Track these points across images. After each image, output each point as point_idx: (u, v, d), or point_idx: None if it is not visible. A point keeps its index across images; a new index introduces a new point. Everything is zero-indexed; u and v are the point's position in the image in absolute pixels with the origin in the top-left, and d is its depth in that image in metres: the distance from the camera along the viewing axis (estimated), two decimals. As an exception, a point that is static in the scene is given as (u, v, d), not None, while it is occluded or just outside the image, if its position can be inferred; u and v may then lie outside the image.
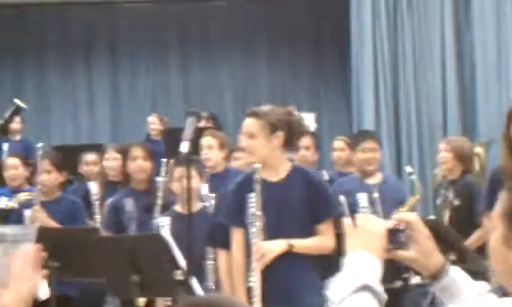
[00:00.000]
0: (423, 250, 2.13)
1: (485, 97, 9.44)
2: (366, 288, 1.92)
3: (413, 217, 2.15)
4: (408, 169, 6.46)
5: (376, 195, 5.90)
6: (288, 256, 4.34)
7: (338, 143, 7.51)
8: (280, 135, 4.44)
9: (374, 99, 9.76)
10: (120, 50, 12.99)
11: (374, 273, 1.97)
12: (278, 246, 4.34)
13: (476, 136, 9.15)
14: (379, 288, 1.95)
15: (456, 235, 5.22)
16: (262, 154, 4.45)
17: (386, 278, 5.68)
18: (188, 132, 4.04)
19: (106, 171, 6.87)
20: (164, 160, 5.65)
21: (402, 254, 2.14)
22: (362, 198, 5.92)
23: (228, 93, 12.73)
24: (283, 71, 12.65)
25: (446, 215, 5.97)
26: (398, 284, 5.41)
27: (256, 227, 4.36)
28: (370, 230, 2.06)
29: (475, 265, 4.73)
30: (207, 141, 6.09)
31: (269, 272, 4.33)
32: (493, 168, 5.05)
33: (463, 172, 6.23)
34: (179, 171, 5.11)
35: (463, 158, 6.22)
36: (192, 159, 4.12)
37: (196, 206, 5.41)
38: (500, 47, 9.39)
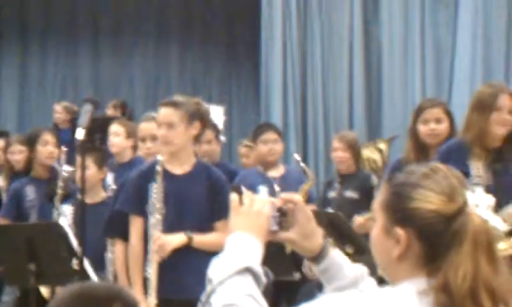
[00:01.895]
0: (304, 232, 2.15)
1: (390, 96, 9.60)
2: (247, 270, 1.92)
3: (297, 198, 2.17)
4: (296, 156, 6.44)
5: (276, 188, 5.93)
6: (185, 249, 4.35)
7: (242, 149, 7.62)
8: (197, 126, 4.45)
9: (282, 94, 9.84)
10: (29, 34, 12.76)
11: (255, 255, 1.97)
12: (176, 239, 4.34)
13: (381, 133, 9.32)
14: (260, 270, 1.95)
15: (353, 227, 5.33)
16: (179, 144, 4.44)
17: (286, 270, 5.77)
18: (84, 119, 3.99)
19: (12, 164, 6.76)
20: (65, 148, 5.59)
21: (283, 235, 2.15)
22: (263, 191, 5.94)
23: (139, 82, 12.65)
24: (195, 62, 12.64)
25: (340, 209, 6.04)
26: (296, 277, 5.47)
27: (155, 218, 4.36)
28: (256, 211, 2.05)
29: (373, 257, 4.84)
30: (113, 128, 6.03)
31: (166, 263, 4.34)
32: (394, 160, 5.16)
33: (357, 165, 6.33)
34: (78, 160, 5.08)
35: (357, 152, 6.33)
36: (88, 147, 4.06)
37: (99, 195, 5.37)
38: (407, 46, 9.56)
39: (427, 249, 1.82)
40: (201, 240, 4.36)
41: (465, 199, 1.83)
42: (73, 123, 9.38)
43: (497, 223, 1.87)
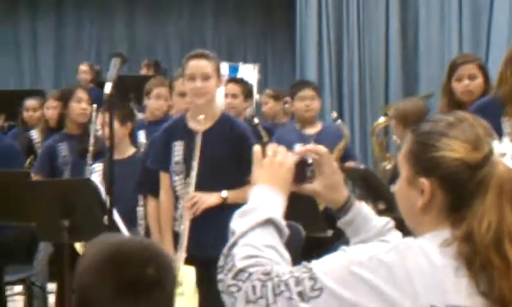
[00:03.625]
0: (329, 183, 2.13)
1: (427, 54, 9.53)
2: (270, 222, 1.91)
3: (322, 149, 2.15)
4: (334, 114, 6.41)
5: (312, 145, 5.90)
6: (217, 207, 4.34)
7: (262, 97, 7.67)
8: (223, 79, 4.45)
9: (317, 52, 9.82)
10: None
11: (277, 207, 1.96)
12: (211, 198, 4.33)
13: (417, 90, 9.25)
14: (282, 222, 1.94)
15: (386, 185, 5.28)
16: (213, 96, 4.44)
17: (319, 227, 5.74)
18: (112, 73, 3.99)
19: (47, 119, 6.82)
20: (95, 105, 5.61)
21: (307, 187, 2.14)
22: (298, 149, 5.90)
23: (173, 43, 12.65)
24: (229, 21, 12.60)
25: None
26: (329, 233, 5.46)
27: (191, 176, 4.35)
28: (278, 162, 2.04)
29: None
30: (158, 90, 6.06)
31: (197, 220, 4.35)
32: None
33: None
34: (101, 117, 5.08)
35: (406, 122, 6.07)
36: (115, 102, 4.06)
37: (127, 151, 5.38)
38: (444, 5, 9.45)
39: (452, 199, 1.80)
40: (236, 196, 4.32)
41: (491, 148, 1.80)
42: (95, 82, 9.42)
43: None
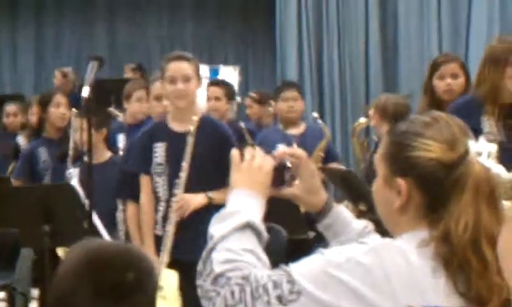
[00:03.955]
0: (307, 187, 2.14)
1: (406, 52, 9.55)
2: (247, 226, 1.90)
3: (300, 153, 2.15)
4: (314, 114, 6.46)
5: (295, 146, 5.93)
6: (202, 208, 4.32)
7: (245, 100, 7.70)
8: (203, 81, 4.45)
9: (297, 52, 9.82)
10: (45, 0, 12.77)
11: (256, 211, 1.95)
12: (197, 199, 4.33)
13: (397, 89, 9.27)
14: (261, 226, 1.93)
15: (367, 186, 5.28)
16: (193, 98, 4.42)
17: (300, 229, 5.75)
18: (89, 77, 3.97)
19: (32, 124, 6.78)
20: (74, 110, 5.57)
21: (286, 191, 2.15)
22: (281, 149, 5.92)
23: (154, 46, 12.61)
24: (209, 22, 12.57)
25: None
26: (311, 235, 5.46)
27: (180, 177, 4.34)
28: (256, 166, 2.03)
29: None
30: (139, 93, 5.99)
31: (181, 223, 4.33)
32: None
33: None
34: (80, 121, 5.05)
35: (385, 115, 6.05)
36: (95, 106, 4.04)
37: (103, 156, 5.34)
38: (423, 2, 9.48)
39: (428, 199, 1.80)
40: (221, 197, 4.28)
41: (467, 148, 1.80)
42: (71, 87, 9.34)
43: (500, 171, 1.84)
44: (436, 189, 1.79)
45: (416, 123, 1.86)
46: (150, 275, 1.90)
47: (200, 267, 1.88)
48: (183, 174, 4.31)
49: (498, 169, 1.83)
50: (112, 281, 1.83)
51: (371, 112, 6.01)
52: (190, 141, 4.31)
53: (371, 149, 6.22)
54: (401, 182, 1.82)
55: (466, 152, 1.80)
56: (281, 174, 2.12)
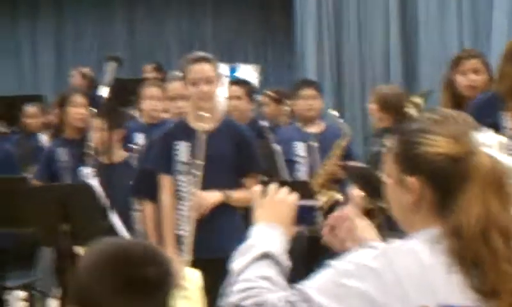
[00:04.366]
0: (346, 239, 2.14)
1: (427, 49, 9.49)
2: (266, 256, 1.91)
3: (348, 214, 2.16)
4: (332, 112, 6.42)
5: (314, 144, 5.91)
6: (221, 206, 4.34)
7: (263, 99, 7.68)
8: (224, 81, 4.47)
9: (316, 51, 9.79)
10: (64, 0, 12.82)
11: (274, 240, 1.96)
12: (215, 196, 4.33)
13: (418, 87, 9.21)
14: (282, 257, 1.94)
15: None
16: (215, 98, 4.45)
17: (320, 226, 5.68)
18: (108, 77, 3.98)
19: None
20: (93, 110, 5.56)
21: (326, 238, 2.15)
22: (299, 147, 5.93)
23: (174, 44, 12.63)
24: (229, 21, 12.58)
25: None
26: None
27: (196, 176, 4.34)
28: (278, 199, 2.05)
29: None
30: (152, 91, 5.95)
31: (201, 221, 4.33)
32: None
33: (396, 120, 6.10)
34: (97, 121, 5.05)
35: (388, 106, 6.09)
36: (112, 106, 4.04)
37: (119, 155, 5.32)
38: (443, 0, 9.43)
39: (440, 195, 1.80)
40: (238, 196, 4.37)
41: (474, 141, 1.80)
42: (91, 87, 9.33)
43: (510, 162, 1.82)
44: (446, 184, 1.78)
45: (422, 120, 1.88)
46: (168, 272, 1.90)
47: (222, 302, 1.91)
48: (198, 173, 4.30)
49: (509, 160, 1.81)
50: (131, 276, 1.84)
51: (371, 104, 6.03)
52: (202, 138, 4.30)
53: (370, 142, 6.19)
54: (412, 180, 1.82)
55: (474, 145, 1.79)
56: (309, 213, 2.11)
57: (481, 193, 1.75)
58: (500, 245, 1.72)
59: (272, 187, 2.07)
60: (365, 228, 2.14)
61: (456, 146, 1.79)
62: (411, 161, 1.83)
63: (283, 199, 2.05)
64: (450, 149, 1.78)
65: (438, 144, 1.79)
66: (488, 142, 1.80)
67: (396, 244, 1.81)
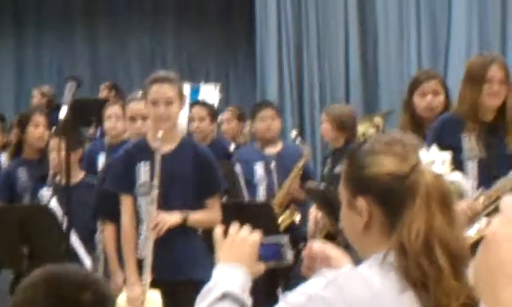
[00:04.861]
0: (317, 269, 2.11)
1: (386, 70, 9.58)
2: (226, 296, 1.90)
3: (331, 252, 2.12)
4: (293, 133, 6.47)
5: (272, 164, 5.94)
6: (179, 227, 4.32)
7: (224, 115, 7.70)
8: (185, 102, 4.43)
9: (278, 71, 9.85)
10: (25, 18, 12.72)
11: (237, 281, 1.95)
12: (173, 217, 4.30)
13: (377, 108, 9.29)
14: (241, 294, 1.92)
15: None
16: (175, 121, 4.42)
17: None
18: (67, 97, 3.95)
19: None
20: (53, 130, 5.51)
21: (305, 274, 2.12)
22: (259, 168, 5.97)
23: (135, 63, 12.60)
24: (190, 41, 12.58)
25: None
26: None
27: (152, 196, 4.31)
28: (239, 239, 2.02)
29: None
30: (113, 110, 5.91)
31: (160, 242, 4.30)
32: None
33: (347, 140, 6.12)
34: (54, 141, 5.00)
35: (343, 126, 6.08)
36: (70, 127, 3.99)
37: (76, 176, 5.24)
38: (402, 22, 9.52)
39: (389, 214, 1.82)
40: (197, 217, 4.35)
41: (418, 158, 1.83)
42: (51, 106, 9.23)
43: (456, 178, 1.85)
44: (394, 202, 1.81)
45: (369, 142, 1.92)
46: (105, 298, 1.92)
47: None
48: (154, 193, 4.28)
49: (455, 176, 1.85)
50: (68, 298, 1.86)
51: (325, 124, 6.08)
52: (158, 157, 4.29)
53: (327, 163, 6.22)
54: (361, 201, 1.84)
55: (418, 162, 1.82)
56: (273, 249, 2.06)
57: (425, 209, 1.77)
58: (444, 261, 1.73)
59: (233, 227, 2.05)
60: (339, 256, 2.12)
61: (402, 164, 1.81)
62: (359, 182, 1.86)
63: (245, 239, 2.03)
64: (397, 168, 1.81)
65: (384, 164, 1.83)
66: (433, 158, 1.83)
67: (346, 270, 1.83)
